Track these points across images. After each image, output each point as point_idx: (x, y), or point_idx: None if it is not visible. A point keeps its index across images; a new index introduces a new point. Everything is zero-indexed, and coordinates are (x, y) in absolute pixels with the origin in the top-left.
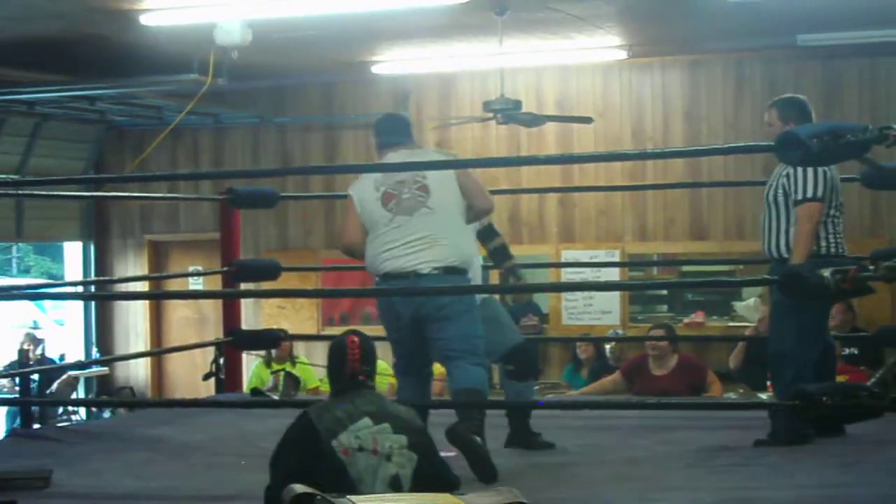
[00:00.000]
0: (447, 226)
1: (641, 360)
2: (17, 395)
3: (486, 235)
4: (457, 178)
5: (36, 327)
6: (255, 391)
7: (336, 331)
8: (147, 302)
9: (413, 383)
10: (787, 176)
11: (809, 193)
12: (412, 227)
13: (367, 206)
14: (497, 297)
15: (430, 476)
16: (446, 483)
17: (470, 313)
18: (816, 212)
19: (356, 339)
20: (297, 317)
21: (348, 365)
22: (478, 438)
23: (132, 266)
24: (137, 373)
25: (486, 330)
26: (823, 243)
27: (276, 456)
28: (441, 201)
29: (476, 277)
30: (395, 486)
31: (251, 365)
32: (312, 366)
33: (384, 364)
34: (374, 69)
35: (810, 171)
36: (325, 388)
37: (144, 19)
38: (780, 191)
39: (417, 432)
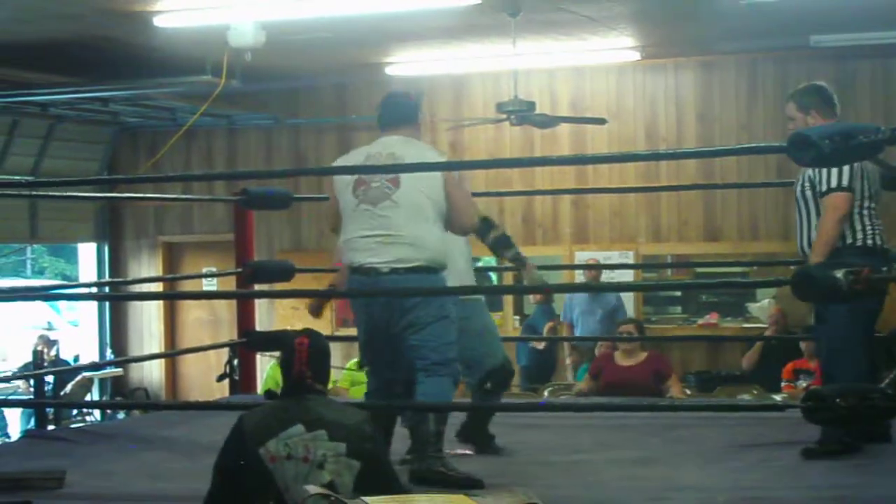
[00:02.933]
0: (409, 222)
1: (606, 356)
2: (31, 397)
3: (483, 231)
4: (443, 184)
5: (50, 328)
6: (269, 392)
7: (351, 331)
8: (161, 303)
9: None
10: (815, 168)
11: (834, 183)
12: (373, 219)
13: (340, 188)
14: (485, 308)
15: (376, 483)
16: (395, 491)
17: (441, 320)
18: (843, 202)
19: (305, 341)
20: (310, 318)
21: (294, 367)
22: (440, 469)
23: (146, 267)
24: (151, 374)
25: (473, 343)
26: (860, 235)
27: (216, 462)
28: (409, 196)
29: (458, 280)
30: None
31: (265, 366)
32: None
33: None
34: (388, 70)
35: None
36: (342, 385)
37: (158, 21)
38: (807, 184)
39: (360, 439)
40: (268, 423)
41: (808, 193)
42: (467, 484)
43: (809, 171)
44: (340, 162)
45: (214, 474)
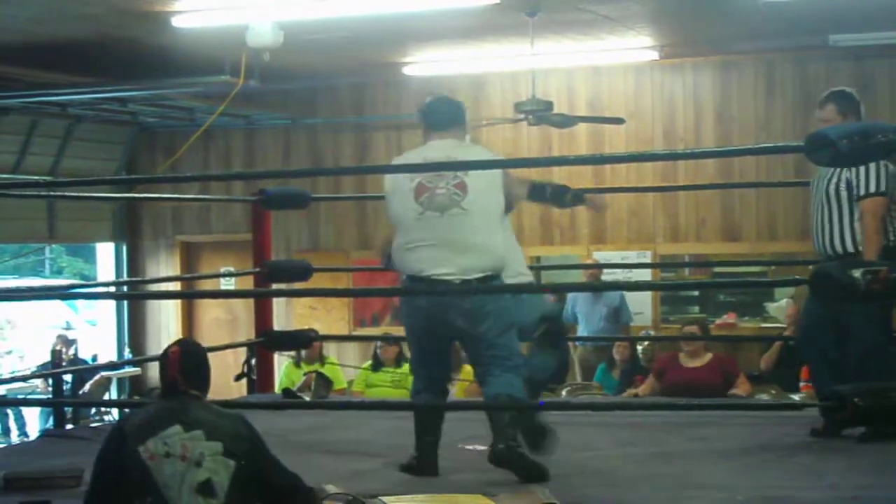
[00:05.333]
0: (480, 229)
1: (671, 356)
2: (49, 396)
3: (537, 192)
4: (503, 179)
5: (68, 328)
6: (286, 392)
7: (368, 332)
8: (179, 302)
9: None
10: (853, 170)
11: (873, 188)
12: (441, 227)
13: (398, 195)
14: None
15: (256, 481)
16: (282, 487)
17: (509, 330)
18: (882, 206)
19: (177, 350)
20: (328, 318)
21: (168, 374)
22: (519, 450)
23: (164, 267)
24: None
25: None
26: (892, 237)
27: (95, 462)
28: (478, 202)
29: (514, 278)
30: (205, 491)
31: (282, 366)
32: (342, 366)
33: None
34: (406, 70)
35: (873, 164)
36: (356, 388)
37: (176, 21)
38: (844, 185)
39: (236, 439)
40: (148, 424)
41: (844, 194)
42: (539, 475)
43: (847, 172)
44: (398, 161)
45: (93, 474)
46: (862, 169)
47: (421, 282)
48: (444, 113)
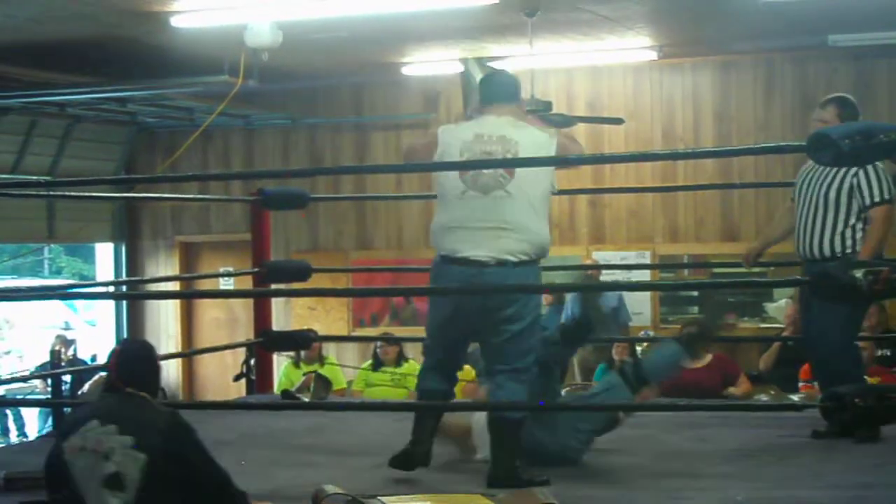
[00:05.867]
0: (522, 214)
1: None
2: (49, 396)
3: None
4: (556, 150)
5: (68, 328)
6: (285, 393)
7: (367, 332)
8: (178, 303)
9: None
10: (858, 175)
11: (884, 195)
12: (484, 208)
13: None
14: None
15: (173, 478)
16: (204, 486)
17: (535, 321)
18: (892, 213)
19: (117, 349)
20: (327, 318)
21: (109, 372)
22: (520, 475)
23: (163, 267)
24: (168, 374)
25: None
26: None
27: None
28: (523, 186)
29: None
30: (113, 484)
31: (281, 366)
32: (341, 367)
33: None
34: (405, 70)
35: (879, 172)
36: (356, 387)
37: (175, 21)
38: (846, 191)
39: (151, 434)
40: (75, 419)
41: (844, 199)
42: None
43: (852, 178)
44: (451, 130)
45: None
46: (872, 176)
47: (455, 263)
48: (499, 87)
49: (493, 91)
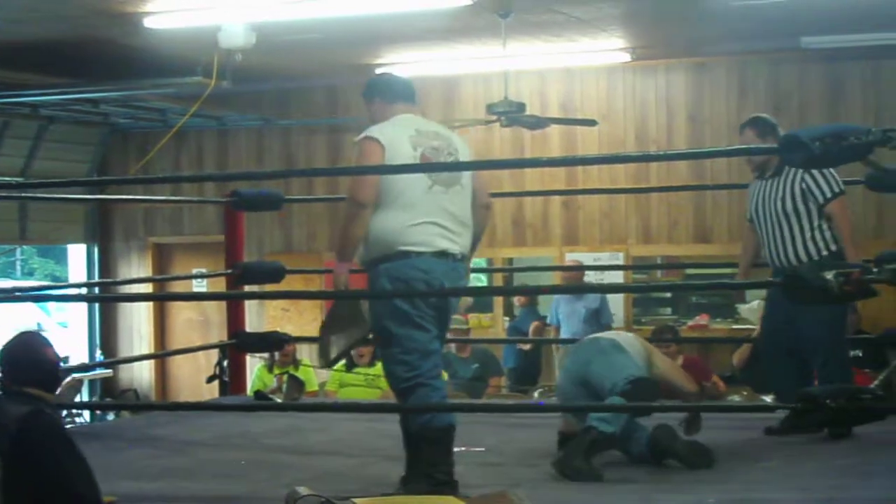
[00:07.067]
0: (471, 208)
1: None
2: None
3: None
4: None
5: (40, 330)
6: (258, 394)
7: None
8: (151, 304)
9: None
10: (805, 179)
11: (834, 189)
12: (451, 202)
13: (400, 161)
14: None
15: (19, 480)
16: (51, 495)
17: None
18: (846, 203)
19: (2, 347)
20: (300, 319)
21: None
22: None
23: (136, 268)
24: (141, 375)
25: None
26: (834, 246)
27: None
28: (469, 181)
29: None
30: None
31: (254, 368)
32: (315, 368)
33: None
34: (378, 72)
35: (824, 170)
36: (330, 387)
37: (148, 22)
38: (799, 197)
39: (2, 436)
40: None
41: (801, 207)
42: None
43: (800, 184)
44: (386, 131)
45: None
46: (813, 177)
47: (438, 256)
48: (408, 87)
49: (401, 91)
